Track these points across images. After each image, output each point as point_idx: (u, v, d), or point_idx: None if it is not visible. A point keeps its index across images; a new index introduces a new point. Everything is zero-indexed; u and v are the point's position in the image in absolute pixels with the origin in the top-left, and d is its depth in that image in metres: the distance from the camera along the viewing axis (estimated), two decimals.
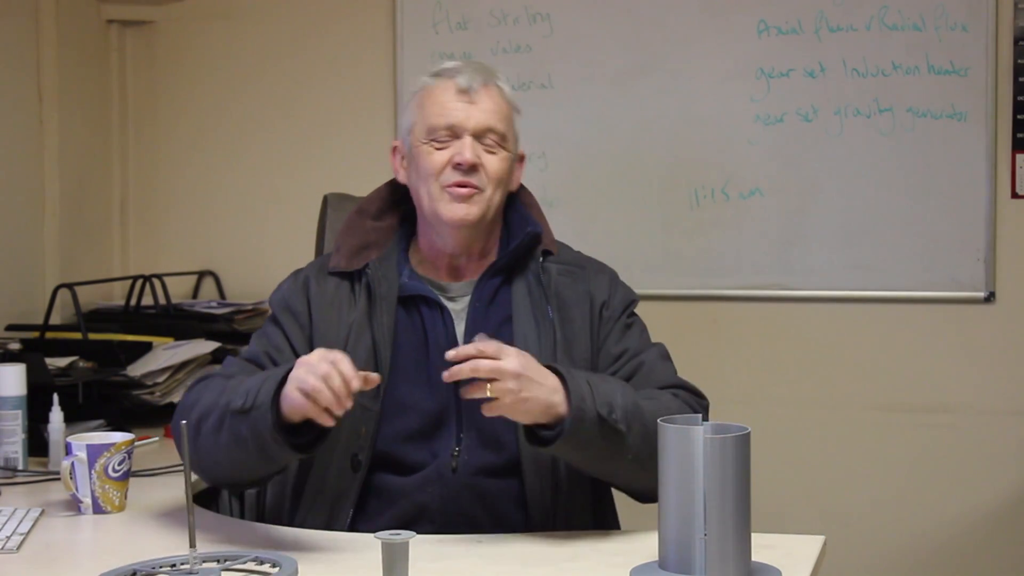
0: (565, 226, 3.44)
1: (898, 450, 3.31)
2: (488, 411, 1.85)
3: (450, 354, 1.84)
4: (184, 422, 1.78)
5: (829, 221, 3.31)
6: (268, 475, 2.04)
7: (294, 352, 2.07)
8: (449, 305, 2.10)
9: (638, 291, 2.23)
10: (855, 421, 3.33)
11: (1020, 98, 3.17)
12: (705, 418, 1.97)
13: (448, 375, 1.83)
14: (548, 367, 1.89)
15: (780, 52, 3.31)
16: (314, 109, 3.65)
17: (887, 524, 3.30)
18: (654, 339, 2.20)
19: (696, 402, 2.06)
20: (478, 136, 2.05)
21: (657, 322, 3.30)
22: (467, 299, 2.11)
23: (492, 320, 2.08)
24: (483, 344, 1.84)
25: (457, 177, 2.03)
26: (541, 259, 2.11)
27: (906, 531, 3.29)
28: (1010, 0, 3.17)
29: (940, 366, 3.28)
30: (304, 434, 1.88)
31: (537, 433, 1.89)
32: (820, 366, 3.35)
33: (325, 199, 2.80)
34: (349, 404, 1.81)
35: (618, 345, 2.11)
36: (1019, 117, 3.17)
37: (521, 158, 2.16)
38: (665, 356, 2.14)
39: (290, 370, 1.85)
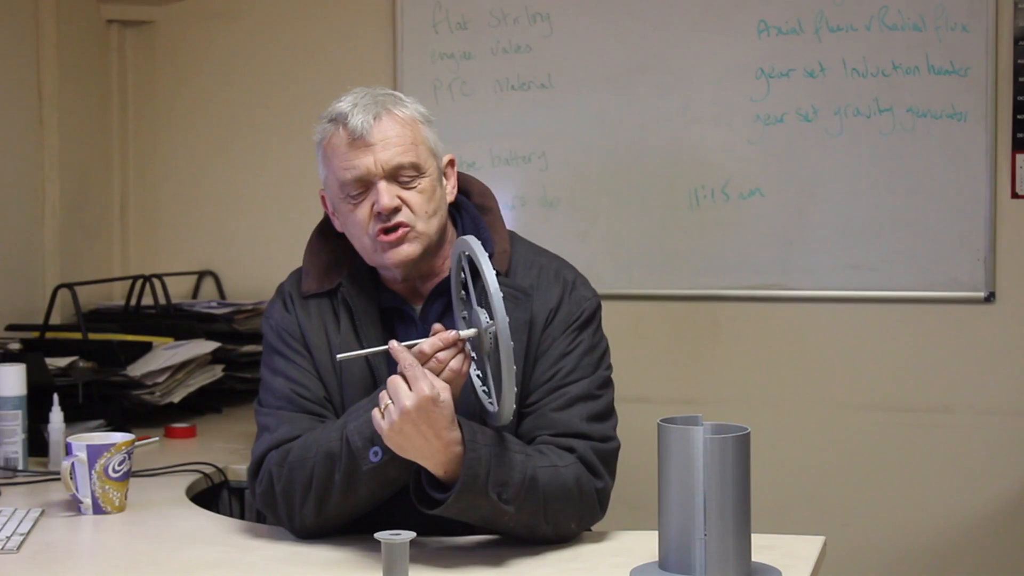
0: (565, 226, 3.48)
1: (898, 450, 3.30)
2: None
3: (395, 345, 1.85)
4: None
5: (829, 221, 3.31)
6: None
7: (318, 377, 2.07)
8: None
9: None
10: (855, 421, 3.33)
11: (1020, 98, 3.17)
12: (600, 500, 1.98)
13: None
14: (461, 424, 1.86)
15: (780, 52, 3.31)
16: (314, 109, 3.58)
17: (887, 524, 3.30)
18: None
19: (588, 481, 1.97)
20: (390, 177, 2.01)
21: (657, 322, 3.34)
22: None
23: None
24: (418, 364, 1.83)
25: (382, 224, 2.00)
26: None
27: (906, 531, 3.29)
28: (1010, 0, 3.17)
29: (940, 366, 3.28)
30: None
31: (426, 492, 1.89)
32: (820, 366, 3.35)
33: None
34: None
35: (552, 368, 2.04)
36: (1019, 117, 3.17)
37: (448, 164, 2.10)
38: (590, 394, 2.04)
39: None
